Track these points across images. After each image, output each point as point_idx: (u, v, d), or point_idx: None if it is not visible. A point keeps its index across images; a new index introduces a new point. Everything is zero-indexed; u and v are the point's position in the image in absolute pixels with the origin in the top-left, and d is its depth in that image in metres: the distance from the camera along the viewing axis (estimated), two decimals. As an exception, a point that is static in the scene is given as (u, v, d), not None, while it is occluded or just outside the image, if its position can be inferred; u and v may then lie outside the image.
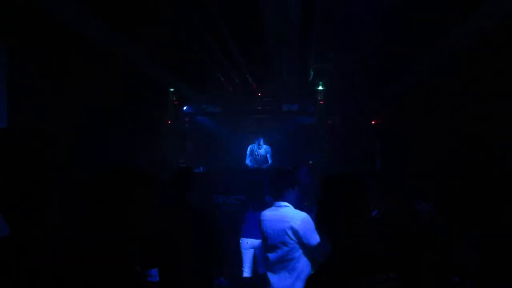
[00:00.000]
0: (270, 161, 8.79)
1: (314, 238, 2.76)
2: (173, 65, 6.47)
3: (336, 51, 5.86)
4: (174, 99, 8.41)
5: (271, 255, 2.92)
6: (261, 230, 3.02)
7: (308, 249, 2.82)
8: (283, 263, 2.85)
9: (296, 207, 2.99)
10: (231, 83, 7.58)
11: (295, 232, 2.77)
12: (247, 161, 8.93)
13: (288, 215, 2.86)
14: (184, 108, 9.29)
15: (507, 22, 3.59)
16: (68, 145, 4.77)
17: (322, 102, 7.81)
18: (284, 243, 2.82)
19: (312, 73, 7.11)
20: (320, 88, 7.72)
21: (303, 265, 2.83)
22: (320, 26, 4.65)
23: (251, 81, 7.56)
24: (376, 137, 8.03)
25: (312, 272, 2.81)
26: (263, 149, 8.91)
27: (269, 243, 2.93)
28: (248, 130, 9.80)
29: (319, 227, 1.89)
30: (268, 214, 3.00)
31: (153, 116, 7.71)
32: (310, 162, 6.44)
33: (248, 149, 9.00)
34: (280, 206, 2.94)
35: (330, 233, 1.69)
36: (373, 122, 8.21)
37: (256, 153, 8.94)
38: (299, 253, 2.82)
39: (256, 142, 8.92)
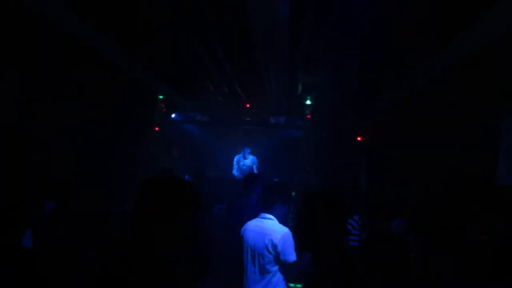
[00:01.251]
0: (255, 172, 8.79)
1: (291, 256, 2.73)
2: (163, 72, 6.49)
3: (324, 67, 5.94)
4: (163, 106, 8.42)
5: (249, 267, 2.92)
6: (243, 240, 3.01)
7: (283, 266, 2.79)
8: (260, 276, 2.83)
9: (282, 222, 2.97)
10: (220, 93, 7.61)
11: (274, 246, 2.75)
12: (234, 171, 8.92)
13: (270, 228, 2.84)
14: (173, 115, 9.29)
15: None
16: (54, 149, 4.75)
17: (309, 116, 7.90)
18: (263, 256, 2.80)
19: (300, 87, 7.18)
20: (308, 102, 7.82)
21: (279, 280, 2.81)
22: (308, 41, 4.73)
23: (240, 92, 7.60)
24: (361, 153, 8.11)
25: None
26: (249, 159, 8.91)
27: (249, 254, 2.92)
28: (235, 141, 9.82)
29: (300, 243, 1.87)
30: (252, 224, 2.99)
31: (140, 121, 7.70)
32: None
33: (235, 159, 8.99)
34: (265, 218, 2.92)
35: (311, 249, 1.73)
36: (358, 139, 8.30)
37: (242, 163, 8.94)
38: (276, 268, 2.80)
39: (242, 152, 8.92)
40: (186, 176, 8.22)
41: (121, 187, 5.64)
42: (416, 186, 5.32)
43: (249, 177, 4.48)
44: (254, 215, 3.50)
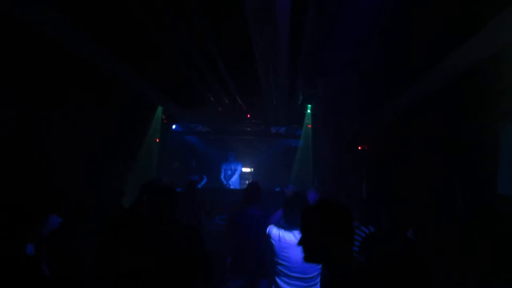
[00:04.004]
0: (235, 177, 8.92)
1: None
2: (164, 84, 6.53)
3: (324, 77, 5.99)
4: (163, 117, 8.46)
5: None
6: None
7: None
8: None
9: None
10: (220, 103, 7.65)
11: None
12: (222, 177, 9.04)
13: None
14: (173, 126, 9.33)
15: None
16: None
17: (310, 126, 7.93)
18: None
19: (301, 97, 7.22)
20: (308, 111, 7.86)
21: None
22: (308, 52, 4.77)
23: (240, 103, 7.64)
24: (362, 163, 8.11)
25: None
26: (233, 164, 9.04)
27: None
28: (236, 151, 9.86)
29: (306, 255, 1.78)
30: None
31: (139, 133, 7.72)
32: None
33: (222, 166, 9.15)
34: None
35: (320, 261, 1.73)
36: (359, 148, 8.30)
37: (228, 168, 9.06)
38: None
39: (229, 158, 9.06)
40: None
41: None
42: (417, 196, 5.31)
43: (251, 187, 4.51)
44: (255, 224, 3.57)
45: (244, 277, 3.89)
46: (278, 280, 3.02)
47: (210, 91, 6.73)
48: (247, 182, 10.32)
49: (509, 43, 3.40)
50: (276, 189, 7.75)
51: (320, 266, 2.97)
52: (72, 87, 4.95)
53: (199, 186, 8.93)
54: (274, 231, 3.11)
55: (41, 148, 4.57)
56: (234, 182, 8.96)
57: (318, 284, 3.04)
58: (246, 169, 11.03)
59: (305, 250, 1.73)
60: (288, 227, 3.09)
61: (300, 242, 1.74)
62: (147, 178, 5.74)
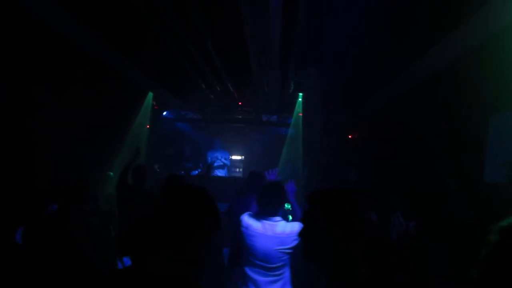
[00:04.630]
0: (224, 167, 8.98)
1: None
2: (154, 70, 6.48)
3: (316, 66, 6.00)
4: (154, 103, 8.41)
5: None
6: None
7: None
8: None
9: None
10: (212, 91, 7.62)
11: None
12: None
13: None
14: (164, 113, 9.29)
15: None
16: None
17: (301, 115, 7.97)
18: None
19: (292, 85, 7.23)
20: (300, 100, 7.88)
21: None
22: (300, 40, 4.77)
23: (232, 90, 7.62)
24: (352, 151, 8.20)
25: None
26: (219, 152, 9.06)
27: None
28: (228, 138, 9.88)
29: (306, 251, 1.49)
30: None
31: (130, 120, 7.67)
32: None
33: (208, 153, 9.15)
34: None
35: (319, 259, 1.43)
36: (350, 136, 8.38)
37: (214, 156, 9.07)
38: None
39: (216, 146, 9.06)
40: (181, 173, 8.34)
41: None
42: (406, 184, 5.40)
43: (253, 175, 4.54)
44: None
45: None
46: (245, 267, 3.04)
47: (201, 78, 6.70)
48: (237, 170, 10.37)
49: (496, 33, 3.46)
50: (278, 178, 7.78)
51: (286, 257, 2.99)
52: (58, 68, 4.86)
53: (195, 173, 8.95)
54: (245, 218, 3.13)
55: (23, 129, 4.51)
56: (220, 170, 8.98)
57: (285, 276, 3.02)
58: (237, 157, 11.05)
59: (303, 244, 1.50)
60: (258, 215, 3.10)
61: (300, 234, 1.51)
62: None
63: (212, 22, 4.52)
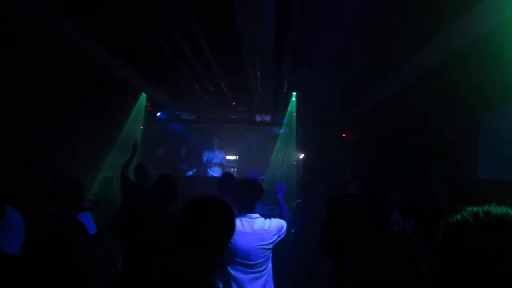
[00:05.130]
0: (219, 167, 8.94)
1: None
2: (148, 71, 6.46)
3: (309, 65, 6.01)
4: (148, 104, 8.38)
5: None
6: None
7: None
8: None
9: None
10: (206, 91, 7.61)
11: None
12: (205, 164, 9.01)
13: None
14: (158, 114, 9.25)
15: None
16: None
17: (295, 114, 7.98)
18: None
19: (286, 85, 7.24)
20: (294, 99, 7.89)
21: None
22: (294, 40, 4.78)
23: (226, 91, 7.61)
24: (346, 149, 8.23)
25: None
26: (216, 152, 9.02)
27: None
28: (221, 139, 9.86)
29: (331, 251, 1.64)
30: None
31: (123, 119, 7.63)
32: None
33: (203, 154, 9.09)
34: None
35: (341, 258, 1.57)
36: (344, 135, 8.42)
37: (210, 156, 9.02)
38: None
39: (212, 146, 9.02)
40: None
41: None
42: (399, 182, 5.44)
43: (226, 176, 4.61)
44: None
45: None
46: (228, 267, 3.05)
47: (195, 78, 6.68)
48: (232, 170, 10.34)
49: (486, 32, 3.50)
50: (261, 177, 7.80)
51: (267, 253, 3.02)
52: (49, 67, 4.82)
53: (190, 173, 8.92)
54: None
55: (17, 129, 4.48)
56: (215, 170, 8.97)
57: (266, 272, 3.06)
58: (231, 157, 11.02)
59: (324, 243, 1.64)
60: (238, 213, 3.12)
61: (322, 235, 1.64)
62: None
63: (205, 21, 4.51)
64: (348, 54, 5.04)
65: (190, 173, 8.98)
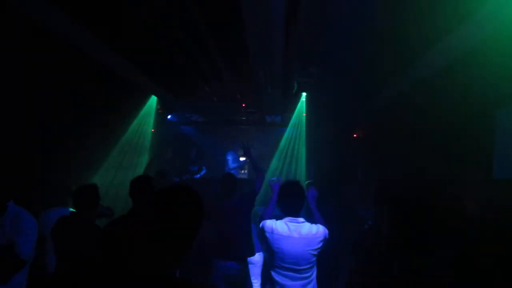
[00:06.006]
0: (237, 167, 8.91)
1: None
2: (158, 74, 6.47)
3: (319, 65, 5.97)
4: (158, 107, 8.41)
5: None
6: None
7: None
8: None
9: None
10: (215, 93, 7.61)
11: None
12: (230, 165, 8.93)
13: None
14: (168, 117, 9.29)
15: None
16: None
17: (305, 115, 7.93)
18: None
19: (295, 86, 7.20)
20: (303, 100, 7.85)
21: None
22: (303, 41, 4.75)
23: (235, 92, 7.60)
24: (357, 150, 8.15)
25: None
26: (237, 154, 8.98)
27: None
28: (231, 140, 9.84)
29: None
30: None
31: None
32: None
33: (228, 154, 9.05)
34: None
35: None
36: (355, 135, 8.34)
37: (232, 158, 8.97)
38: None
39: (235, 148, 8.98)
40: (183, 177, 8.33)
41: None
42: (412, 182, 5.36)
43: (230, 178, 4.51)
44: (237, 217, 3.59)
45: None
46: (272, 273, 3.01)
47: (205, 80, 6.69)
48: (242, 171, 10.31)
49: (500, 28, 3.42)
50: (273, 179, 7.74)
51: (314, 259, 2.97)
52: (58, 70, 4.86)
53: (198, 176, 8.92)
54: (267, 223, 3.09)
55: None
56: (235, 171, 8.96)
57: (313, 277, 3.01)
58: (241, 159, 11.01)
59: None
60: (281, 218, 3.08)
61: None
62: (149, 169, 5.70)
63: (214, 24, 4.50)
64: (358, 52, 4.98)
65: (198, 176, 8.96)
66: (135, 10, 4.18)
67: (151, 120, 8.27)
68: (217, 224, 4.12)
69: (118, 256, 1.48)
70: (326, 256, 3.46)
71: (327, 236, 3.05)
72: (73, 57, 4.87)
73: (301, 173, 8.12)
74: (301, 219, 3.03)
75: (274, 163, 8.79)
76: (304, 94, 7.71)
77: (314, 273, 3.03)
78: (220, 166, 9.11)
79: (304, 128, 8.20)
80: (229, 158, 8.95)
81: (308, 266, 2.95)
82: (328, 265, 3.86)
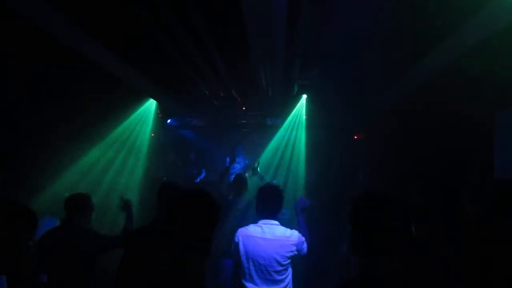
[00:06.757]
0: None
1: None
2: (157, 77, 6.47)
3: (320, 67, 5.98)
4: (159, 112, 8.41)
5: None
6: None
7: None
8: None
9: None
10: (215, 97, 7.61)
11: None
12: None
13: None
14: (168, 121, 9.29)
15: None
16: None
17: (305, 117, 7.94)
18: None
19: (296, 88, 7.21)
20: (304, 102, 7.85)
21: None
22: (304, 43, 4.75)
23: (235, 95, 7.60)
24: (359, 151, 8.15)
25: None
26: (240, 158, 8.91)
27: None
28: (232, 143, 9.82)
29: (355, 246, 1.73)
30: None
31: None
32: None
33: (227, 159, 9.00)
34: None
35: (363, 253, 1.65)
36: (356, 137, 8.34)
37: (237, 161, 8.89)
38: None
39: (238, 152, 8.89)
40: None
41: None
42: (412, 185, 5.36)
43: (239, 179, 4.55)
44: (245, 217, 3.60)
45: None
46: (244, 282, 2.96)
47: (204, 84, 6.69)
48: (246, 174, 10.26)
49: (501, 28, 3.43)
50: (273, 181, 7.73)
51: (288, 261, 2.95)
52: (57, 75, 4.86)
53: (198, 180, 8.89)
54: (240, 229, 3.11)
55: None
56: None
57: (288, 282, 2.99)
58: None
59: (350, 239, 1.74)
60: (256, 220, 3.10)
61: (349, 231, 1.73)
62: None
63: (214, 26, 4.50)
64: (359, 54, 4.98)
65: (198, 179, 8.92)
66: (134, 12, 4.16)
67: (149, 124, 8.26)
68: (225, 223, 4.13)
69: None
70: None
71: (304, 245, 3.04)
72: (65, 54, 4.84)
73: (301, 175, 8.10)
74: (276, 222, 3.04)
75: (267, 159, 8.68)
76: (304, 96, 7.71)
77: (288, 278, 3.00)
78: (219, 169, 9.08)
79: (304, 130, 8.19)
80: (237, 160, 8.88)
81: (280, 268, 2.93)
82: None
